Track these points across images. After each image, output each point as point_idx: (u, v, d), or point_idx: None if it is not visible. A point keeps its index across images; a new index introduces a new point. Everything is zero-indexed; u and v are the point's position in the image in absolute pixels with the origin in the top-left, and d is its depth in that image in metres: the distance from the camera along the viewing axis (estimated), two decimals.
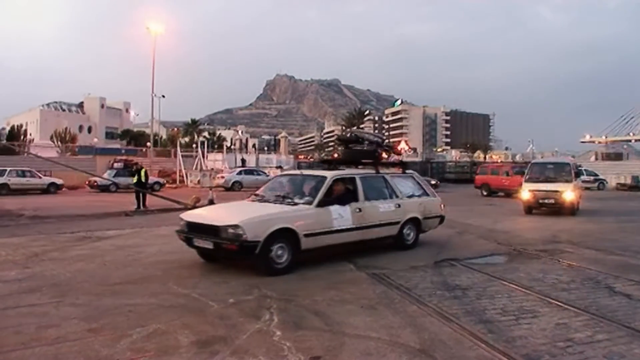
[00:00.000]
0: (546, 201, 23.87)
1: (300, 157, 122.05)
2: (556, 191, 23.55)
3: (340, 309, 8.02)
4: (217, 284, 9.64)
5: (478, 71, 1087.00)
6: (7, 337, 6.74)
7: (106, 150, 70.93)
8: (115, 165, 44.73)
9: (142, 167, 27.65)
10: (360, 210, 12.07)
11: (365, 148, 14.18)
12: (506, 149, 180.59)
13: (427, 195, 14.55)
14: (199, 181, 47.59)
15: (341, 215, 11.59)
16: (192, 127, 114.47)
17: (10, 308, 8.07)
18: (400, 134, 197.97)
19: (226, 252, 10.47)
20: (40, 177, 39.81)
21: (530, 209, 24.40)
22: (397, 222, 13.12)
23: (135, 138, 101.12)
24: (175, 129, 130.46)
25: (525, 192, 24.34)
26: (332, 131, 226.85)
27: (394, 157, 15.40)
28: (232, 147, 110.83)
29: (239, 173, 47.20)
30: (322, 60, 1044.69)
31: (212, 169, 52.90)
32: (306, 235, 10.76)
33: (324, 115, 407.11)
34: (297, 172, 14.06)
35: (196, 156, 58.60)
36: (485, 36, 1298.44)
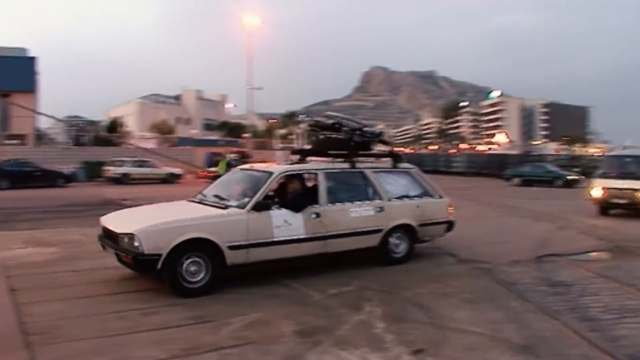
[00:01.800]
0: (620, 201, 19.82)
1: (396, 149, 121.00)
2: (635, 189, 19.22)
3: (442, 302, 7.97)
4: (316, 274, 9.62)
5: (577, 61, 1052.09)
6: (112, 322, 7.02)
7: (204, 142, 71.78)
8: (231, 155, 45.55)
9: (240, 157, 27.76)
10: (318, 215, 9.61)
11: (340, 136, 10.97)
12: (605, 142, 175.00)
13: (429, 195, 11.45)
14: None
15: (287, 222, 9.24)
16: (290, 118, 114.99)
17: (112, 294, 8.37)
18: (498, 127, 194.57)
19: (127, 265, 8.70)
20: (159, 167, 40.83)
21: (605, 209, 20.45)
22: (378, 230, 10.39)
23: (233, 129, 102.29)
24: (273, 120, 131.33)
25: (597, 190, 20.32)
26: (429, 123, 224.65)
27: (382, 148, 12.13)
28: None
29: None
30: (418, 51, 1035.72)
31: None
32: (232, 248, 8.62)
33: (420, 107, 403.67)
34: (248, 166, 11.32)
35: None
36: (586, 24, 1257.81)
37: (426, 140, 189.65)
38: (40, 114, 49.36)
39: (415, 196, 11.21)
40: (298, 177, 10.19)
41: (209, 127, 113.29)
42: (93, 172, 40.45)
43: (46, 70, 63.12)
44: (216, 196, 9.90)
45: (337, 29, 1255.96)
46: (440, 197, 11.63)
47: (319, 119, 11.85)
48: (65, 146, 69.04)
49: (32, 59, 54.97)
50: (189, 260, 8.30)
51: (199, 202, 9.91)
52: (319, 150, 11.27)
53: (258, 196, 9.16)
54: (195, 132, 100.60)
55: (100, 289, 8.57)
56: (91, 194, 26.76)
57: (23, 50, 57.18)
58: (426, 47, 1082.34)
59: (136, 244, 8.09)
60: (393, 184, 11.07)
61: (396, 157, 11.56)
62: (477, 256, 11.43)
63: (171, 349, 6.05)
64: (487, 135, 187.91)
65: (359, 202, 10.33)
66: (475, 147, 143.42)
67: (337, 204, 10.03)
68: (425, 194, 11.42)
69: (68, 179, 37.64)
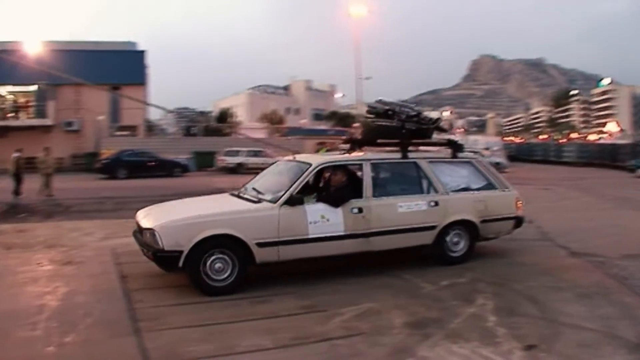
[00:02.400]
0: None
1: (506, 138, 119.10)
2: None
3: (554, 296, 7.70)
4: (428, 265, 9.41)
5: None
6: (221, 310, 7.15)
7: (313, 132, 72.09)
8: (342, 146, 45.68)
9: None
10: (360, 210, 8.81)
11: (392, 123, 10.05)
12: None
13: (494, 188, 10.30)
14: None
15: (324, 218, 8.54)
16: None
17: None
18: (608, 115, 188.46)
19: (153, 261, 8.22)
20: (273, 157, 41.48)
21: None
22: (432, 227, 9.41)
23: (342, 119, 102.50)
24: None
25: None
26: (539, 112, 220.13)
27: (441, 136, 11.10)
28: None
29: None
30: (526, 39, 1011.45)
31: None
32: (261, 245, 8.08)
33: (530, 95, 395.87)
34: (292, 157, 10.35)
35: None
36: None
37: (536, 130, 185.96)
38: (150, 105, 50.79)
39: (477, 189, 10.12)
40: (340, 168, 9.35)
41: (318, 117, 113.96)
42: (203, 162, 41.31)
43: (155, 63, 64.55)
44: (255, 189, 9.34)
45: (445, 17, 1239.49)
46: (507, 189, 10.43)
47: (374, 105, 10.78)
48: (174, 136, 70.74)
49: (141, 52, 56.32)
50: (214, 257, 7.90)
51: (237, 196, 9.39)
52: (369, 139, 10.56)
53: (292, 190, 8.51)
54: (304, 122, 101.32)
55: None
56: (203, 184, 27.25)
57: (133, 44, 58.66)
58: (534, 34, 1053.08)
59: (157, 239, 7.81)
60: (452, 176, 10.04)
61: (456, 146, 10.44)
62: (589, 249, 10.87)
63: (279, 339, 6.06)
64: (598, 124, 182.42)
65: (409, 196, 9.40)
66: (586, 137, 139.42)
67: (383, 197, 9.15)
68: (489, 186, 10.26)
69: (184, 169, 38.59)
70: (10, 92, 53.18)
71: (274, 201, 8.41)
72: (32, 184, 22.96)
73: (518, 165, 44.83)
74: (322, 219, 8.49)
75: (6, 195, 21.58)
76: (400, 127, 9.90)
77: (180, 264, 7.72)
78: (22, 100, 52.83)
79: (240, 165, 39.62)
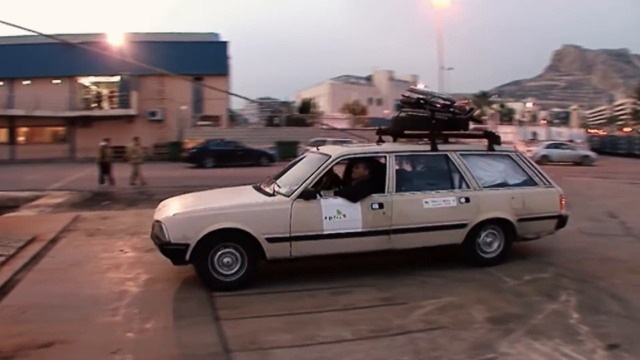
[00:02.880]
0: None
1: (590, 131, 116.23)
2: None
3: (639, 295, 7.43)
4: (511, 259, 9.10)
5: None
6: (302, 299, 7.23)
7: None
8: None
9: None
10: (381, 206, 8.24)
11: (423, 113, 9.35)
12: None
13: (534, 184, 9.41)
14: None
15: (340, 213, 8.06)
16: (482, 99, 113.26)
17: (303, 272, 8.48)
18: None
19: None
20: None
21: None
22: (463, 225, 8.70)
23: None
24: (464, 101, 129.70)
25: None
26: (623, 104, 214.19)
27: (475, 127, 10.41)
28: (522, 119, 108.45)
29: (548, 147, 43.44)
30: (609, 29, 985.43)
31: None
32: (272, 240, 7.78)
33: (614, 87, 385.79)
34: (315, 148, 9.91)
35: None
36: None
37: (620, 122, 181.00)
38: (233, 94, 51.39)
39: (515, 185, 9.31)
40: (363, 161, 8.85)
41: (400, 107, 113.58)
42: (286, 152, 41.50)
43: (237, 53, 65.21)
44: (275, 181, 8.89)
45: (527, 5, 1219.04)
46: (550, 185, 9.50)
47: (407, 94, 10.04)
48: (255, 126, 71.34)
49: (224, 43, 57.15)
50: (222, 251, 7.72)
51: (258, 189, 8.98)
52: (397, 129, 9.97)
53: (307, 183, 8.11)
54: (387, 112, 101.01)
55: (289, 266, 8.45)
56: None
57: (215, 35, 59.60)
58: (617, 23, 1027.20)
59: (164, 232, 7.72)
60: (487, 170, 9.26)
61: (493, 138, 9.57)
62: None
63: (358, 330, 6.06)
64: None
65: (437, 191, 8.71)
66: None
67: (408, 192, 8.54)
68: (529, 182, 9.39)
69: (271, 158, 38.71)
70: (94, 83, 54.82)
71: (287, 195, 8.07)
72: (119, 172, 23.57)
73: (603, 158, 43.65)
74: (339, 214, 8.05)
75: (92, 183, 22.18)
76: (430, 117, 9.22)
77: (187, 257, 7.62)
78: (105, 90, 54.35)
79: None
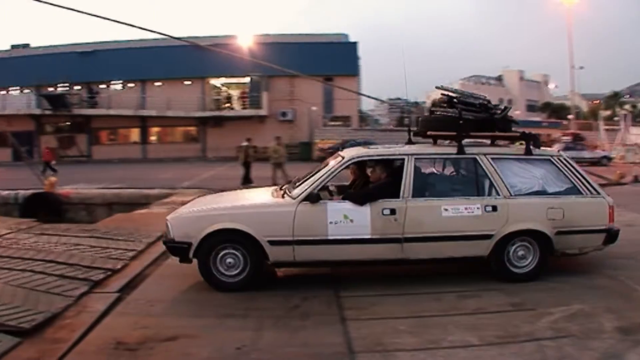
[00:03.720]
0: None
1: None
2: None
3: None
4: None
5: None
6: (428, 302, 7.18)
7: (527, 123, 70.52)
8: (564, 138, 44.99)
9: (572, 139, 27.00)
10: (393, 212, 7.73)
11: (451, 114, 8.60)
12: None
13: (578, 193, 8.31)
14: (622, 156, 45.44)
15: (347, 219, 7.68)
16: (613, 99, 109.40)
17: (429, 275, 8.42)
18: None
19: None
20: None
21: None
22: (488, 236, 7.90)
23: (556, 111, 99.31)
24: (596, 101, 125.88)
25: None
26: None
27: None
28: None
29: None
30: None
31: (637, 143, 50.05)
32: (274, 243, 7.62)
33: None
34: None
35: (618, 130, 55.95)
36: None
37: None
38: (363, 95, 51.50)
39: (555, 193, 8.29)
40: (380, 163, 8.48)
41: (531, 108, 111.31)
42: None
43: (366, 53, 65.45)
44: (294, 183, 8.68)
45: None
46: (597, 195, 8.40)
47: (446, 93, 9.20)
48: (386, 127, 71.25)
49: (353, 43, 57.45)
50: (225, 251, 7.72)
51: (283, 189, 8.71)
52: (423, 130, 9.19)
53: (314, 185, 7.89)
54: (518, 113, 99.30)
55: (415, 269, 8.42)
56: None
57: (345, 36, 59.88)
58: None
59: (169, 230, 7.94)
60: (522, 176, 8.33)
61: (532, 140, 8.57)
62: None
63: (485, 335, 5.99)
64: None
65: (459, 198, 8.02)
66: None
67: (424, 199, 7.96)
68: (572, 190, 8.32)
69: None
70: (225, 84, 56.17)
71: (294, 197, 7.87)
72: (257, 172, 24.19)
73: None
74: (345, 219, 7.69)
75: (223, 182, 22.68)
76: (457, 117, 8.42)
77: (191, 255, 7.73)
78: (235, 91, 55.66)
79: None
